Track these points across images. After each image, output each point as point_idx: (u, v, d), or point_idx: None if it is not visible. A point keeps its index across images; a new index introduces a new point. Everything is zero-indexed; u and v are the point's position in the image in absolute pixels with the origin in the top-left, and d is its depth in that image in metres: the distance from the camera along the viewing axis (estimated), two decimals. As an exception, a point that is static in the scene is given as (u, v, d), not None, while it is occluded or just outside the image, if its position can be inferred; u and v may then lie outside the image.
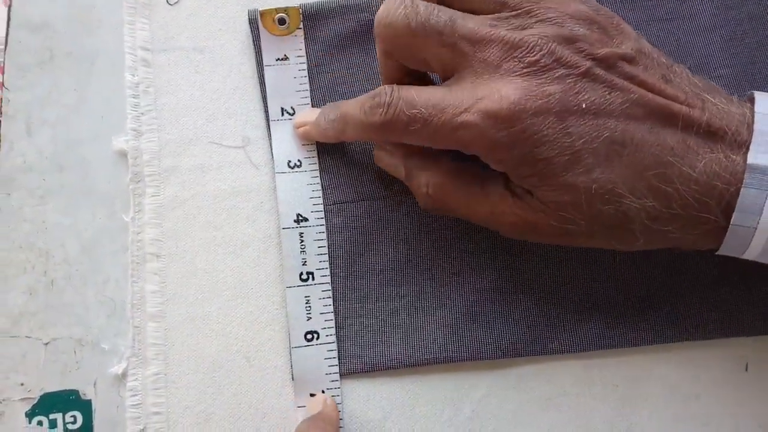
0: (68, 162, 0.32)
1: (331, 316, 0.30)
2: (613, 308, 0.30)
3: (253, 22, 0.32)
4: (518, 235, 0.28)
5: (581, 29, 0.25)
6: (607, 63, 0.25)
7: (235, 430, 0.29)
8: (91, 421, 0.30)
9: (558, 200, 0.25)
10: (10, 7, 0.33)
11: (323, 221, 0.31)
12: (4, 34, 0.33)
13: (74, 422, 0.30)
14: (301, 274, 0.30)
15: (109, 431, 0.30)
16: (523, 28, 0.25)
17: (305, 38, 0.32)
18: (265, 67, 0.32)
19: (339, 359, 0.30)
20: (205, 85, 0.33)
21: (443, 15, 0.25)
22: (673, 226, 0.25)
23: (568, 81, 0.24)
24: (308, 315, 0.30)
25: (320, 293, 0.30)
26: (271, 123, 0.31)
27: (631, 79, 0.25)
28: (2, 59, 0.33)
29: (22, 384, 0.30)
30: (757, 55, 0.32)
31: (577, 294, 0.30)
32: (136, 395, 0.30)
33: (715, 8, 0.33)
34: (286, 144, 0.31)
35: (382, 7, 0.26)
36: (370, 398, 0.30)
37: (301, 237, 0.30)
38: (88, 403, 0.30)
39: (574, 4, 0.25)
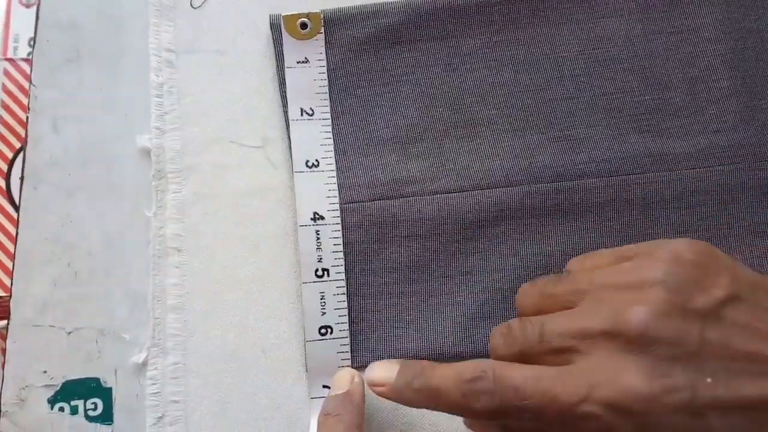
0: (93, 158, 0.33)
1: (345, 311, 0.31)
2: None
3: (275, 26, 0.33)
4: None
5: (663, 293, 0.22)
6: (715, 315, 0.22)
7: (251, 419, 0.30)
8: (112, 408, 0.31)
9: None
10: (38, 6, 0.34)
11: (339, 219, 0.32)
12: (33, 33, 0.34)
13: (95, 409, 0.31)
14: (317, 270, 0.31)
15: (129, 418, 0.31)
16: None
17: (326, 42, 0.33)
18: (286, 69, 0.33)
19: (352, 353, 0.31)
20: (226, 87, 0.34)
21: (533, 329, 0.24)
22: None
23: (688, 362, 0.21)
24: (323, 310, 0.31)
25: (335, 289, 0.31)
26: (290, 123, 0.33)
27: (747, 333, 0.22)
28: (31, 56, 0.34)
29: (45, 371, 0.31)
30: (756, 69, 0.33)
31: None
32: (155, 384, 0.31)
33: (718, 22, 0.34)
34: (305, 144, 0.32)
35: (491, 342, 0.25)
36: (382, 391, 0.31)
37: (318, 234, 0.31)
38: (109, 390, 0.31)
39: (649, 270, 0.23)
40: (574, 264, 0.26)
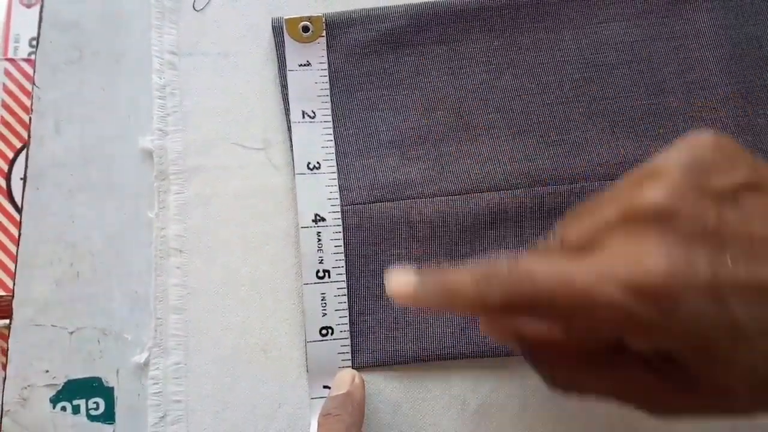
0: (95, 159, 0.33)
1: (346, 312, 0.31)
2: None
3: (276, 29, 0.34)
4: (658, 414, 0.23)
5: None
6: (733, 198, 0.21)
7: (252, 419, 0.31)
8: (113, 408, 0.31)
9: (717, 382, 0.21)
10: (41, 7, 0.35)
11: (340, 221, 0.32)
12: (33, 33, 0.35)
13: (97, 408, 0.31)
14: (318, 271, 0.31)
15: (130, 418, 0.31)
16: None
17: (327, 46, 0.34)
18: (288, 72, 0.33)
19: (352, 354, 0.31)
20: (228, 89, 0.34)
21: (555, 237, 0.24)
22: None
23: (707, 242, 0.21)
24: (323, 311, 0.31)
25: (335, 290, 0.31)
26: (292, 125, 0.33)
27: (766, 219, 0.21)
28: (32, 56, 0.35)
29: (47, 371, 0.31)
30: (753, 76, 0.33)
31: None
32: (157, 384, 0.31)
33: (717, 27, 0.34)
34: (306, 146, 0.33)
35: None
36: (382, 391, 0.31)
37: (319, 236, 0.32)
38: (111, 390, 0.31)
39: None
40: None
